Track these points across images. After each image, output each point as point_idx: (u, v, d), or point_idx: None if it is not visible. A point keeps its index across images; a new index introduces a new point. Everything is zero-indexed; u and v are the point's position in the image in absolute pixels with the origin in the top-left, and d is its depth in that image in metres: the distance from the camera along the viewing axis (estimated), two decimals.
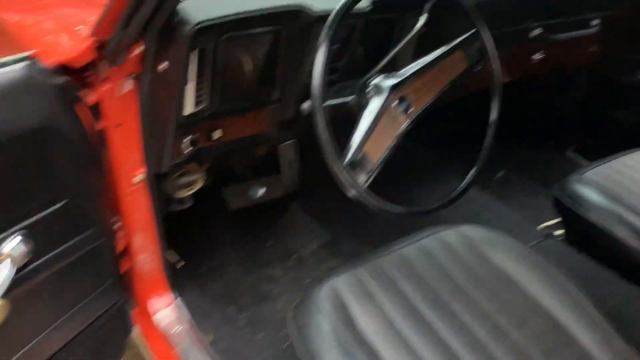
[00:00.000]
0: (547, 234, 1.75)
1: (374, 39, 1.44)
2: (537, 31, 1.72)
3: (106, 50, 1.08)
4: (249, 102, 1.34)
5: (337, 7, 1.11)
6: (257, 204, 1.83)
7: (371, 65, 1.29)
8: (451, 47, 1.29)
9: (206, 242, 1.78)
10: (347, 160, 1.09)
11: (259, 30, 1.22)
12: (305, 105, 1.31)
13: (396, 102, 1.19)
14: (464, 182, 1.30)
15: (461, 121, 2.08)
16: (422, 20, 1.31)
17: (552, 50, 1.86)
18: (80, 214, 1.12)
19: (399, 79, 1.21)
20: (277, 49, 1.29)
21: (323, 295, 1.06)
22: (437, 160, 2.26)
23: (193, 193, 1.54)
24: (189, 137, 1.27)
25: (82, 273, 1.20)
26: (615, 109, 2.17)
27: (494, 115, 1.34)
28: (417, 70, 1.24)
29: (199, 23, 1.07)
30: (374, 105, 1.17)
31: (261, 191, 1.80)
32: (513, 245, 1.18)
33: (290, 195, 1.92)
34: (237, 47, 1.26)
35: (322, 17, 1.22)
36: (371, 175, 1.11)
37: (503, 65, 1.80)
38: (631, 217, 1.35)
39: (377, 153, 1.13)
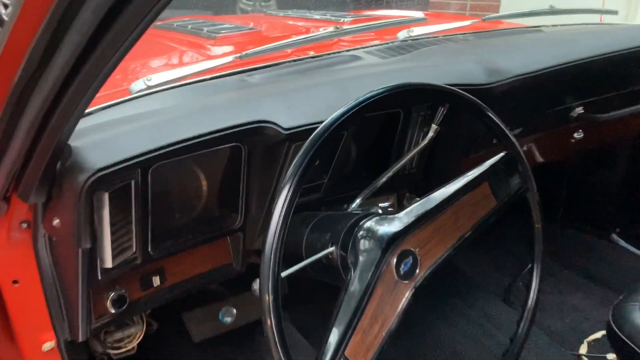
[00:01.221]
0: None
1: (369, 141, 1.10)
2: (579, 110, 1.37)
3: None
4: (200, 234, 0.99)
5: (315, 134, 0.77)
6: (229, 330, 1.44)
7: (365, 180, 0.95)
8: (474, 179, 0.91)
9: None
10: None
11: (209, 150, 0.88)
12: (256, 285, 0.92)
13: (396, 259, 0.81)
14: None
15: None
16: (431, 132, 0.96)
17: (596, 128, 1.51)
18: None
19: (401, 227, 0.83)
20: (238, 167, 0.96)
21: None
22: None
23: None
24: (113, 293, 0.92)
25: None
26: None
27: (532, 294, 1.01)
28: (426, 212, 0.86)
29: (98, 171, 0.72)
30: (364, 269, 0.79)
31: (233, 314, 1.41)
32: None
33: None
34: (181, 169, 0.93)
35: (293, 136, 0.89)
36: None
37: (539, 148, 1.46)
38: None
39: (368, 353, 0.76)
